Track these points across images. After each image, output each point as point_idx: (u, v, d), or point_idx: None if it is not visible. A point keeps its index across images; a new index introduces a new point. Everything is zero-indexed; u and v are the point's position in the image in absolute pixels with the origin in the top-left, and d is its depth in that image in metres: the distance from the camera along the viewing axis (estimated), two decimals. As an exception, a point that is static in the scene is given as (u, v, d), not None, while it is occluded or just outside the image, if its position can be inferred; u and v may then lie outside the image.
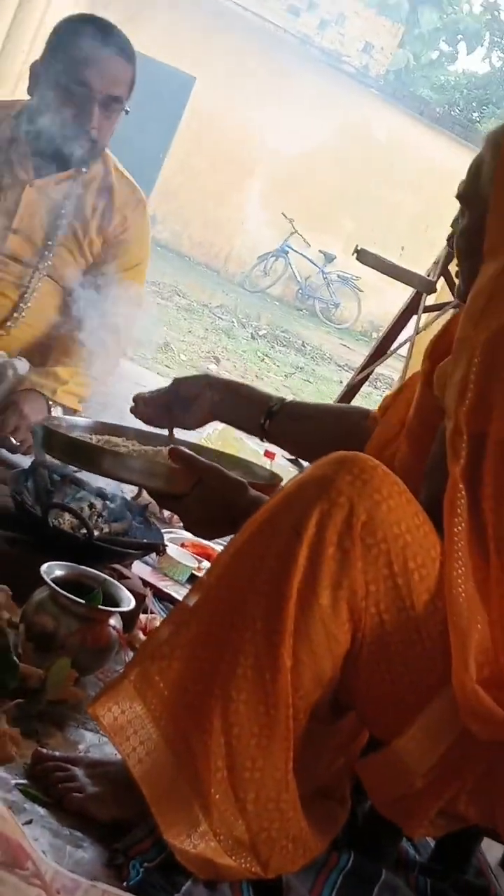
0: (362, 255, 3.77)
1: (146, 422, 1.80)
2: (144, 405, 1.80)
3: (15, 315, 2.50)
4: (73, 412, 2.45)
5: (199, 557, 2.42)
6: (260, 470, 1.72)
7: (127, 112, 2.44)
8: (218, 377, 1.78)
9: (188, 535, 2.58)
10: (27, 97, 2.48)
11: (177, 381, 1.82)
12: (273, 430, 1.74)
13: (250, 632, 1.25)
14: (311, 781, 1.37)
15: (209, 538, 1.68)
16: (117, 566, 1.98)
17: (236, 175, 14.88)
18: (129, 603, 1.71)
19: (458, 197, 1.50)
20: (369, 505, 1.24)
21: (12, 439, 2.29)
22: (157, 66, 14.09)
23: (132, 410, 1.81)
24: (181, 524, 2.59)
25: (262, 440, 1.75)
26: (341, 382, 9.12)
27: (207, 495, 1.48)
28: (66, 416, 1.83)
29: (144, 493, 2.26)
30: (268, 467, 1.82)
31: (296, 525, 1.24)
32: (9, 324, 2.50)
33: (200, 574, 2.32)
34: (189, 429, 1.80)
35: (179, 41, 14.24)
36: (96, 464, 1.54)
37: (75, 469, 2.01)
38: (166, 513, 2.61)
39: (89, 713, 1.30)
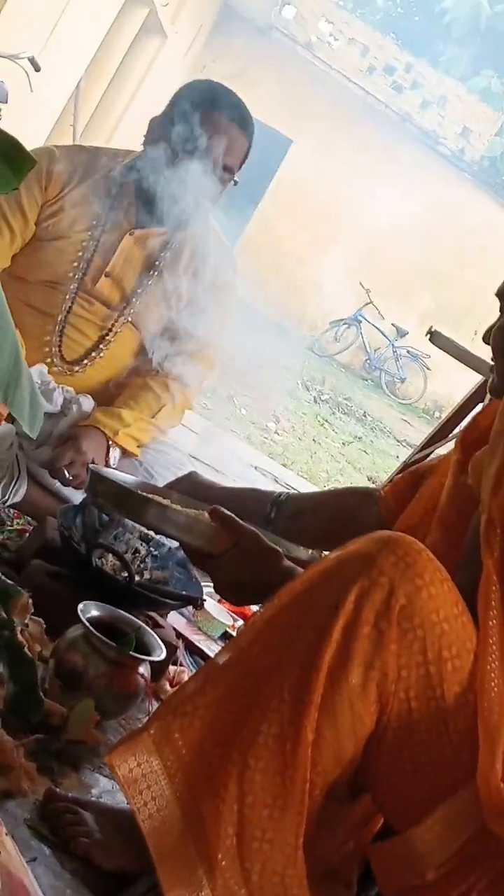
0: (436, 338, 3.77)
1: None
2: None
3: (92, 355, 2.54)
4: (131, 456, 2.48)
5: (234, 615, 2.42)
6: (295, 549, 1.72)
7: (236, 183, 2.52)
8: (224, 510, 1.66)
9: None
10: (127, 147, 2.55)
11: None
12: (281, 523, 1.78)
13: (277, 700, 1.25)
14: (319, 861, 1.35)
15: (236, 603, 1.69)
16: (153, 614, 1.98)
17: (319, 240, 15.03)
18: (160, 653, 1.71)
19: (498, 294, 1.52)
20: (410, 589, 1.23)
21: (66, 472, 2.31)
22: (257, 124, 14.34)
23: None
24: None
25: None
26: (398, 457, 9.10)
27: (241, 558, 1.48)
28: (114, 471, 1.86)
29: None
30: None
31: (334, 599, 1.24)
32: (85, 362, 2.54)
33: (234, 631, 2.32)
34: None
35: (282, 104, 14.48)
36: (141, 513, 1.56)
37: (122, 520, 2.03)
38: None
39: (106, 762, 1.30)
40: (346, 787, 1.33)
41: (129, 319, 2.54)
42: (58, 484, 2.37)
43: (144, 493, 1.60)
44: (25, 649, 1.53)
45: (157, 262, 2.56)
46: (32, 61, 4.48)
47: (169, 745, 1.27)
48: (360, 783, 1.35)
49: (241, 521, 1.51)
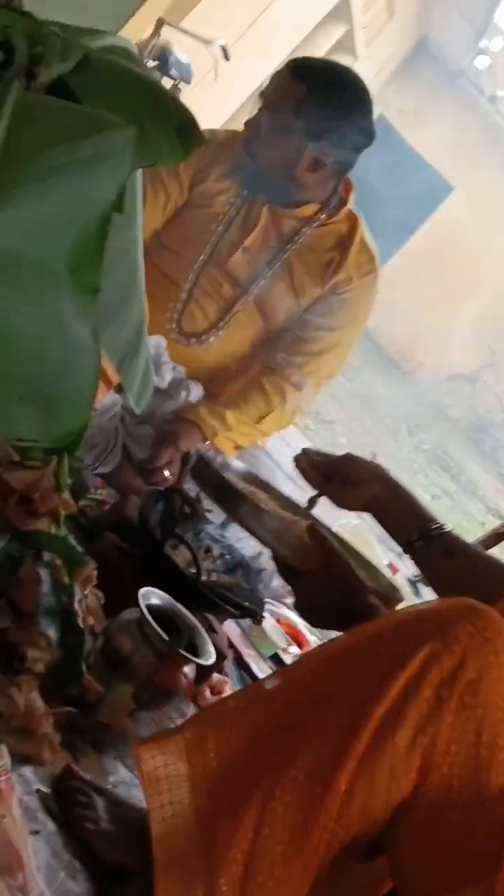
0: None
1: (303, 474, 1.71)
2: (308, 461, 1.72)
3: (208, 336, 2.51)
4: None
5: (290, 639, 2.36)
6: (383, 579, 1.66)
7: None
8: (390, 473, 1.68)
9: (287, 612, 2.53)
10: None
11: (349, 457, 1.70)
12: (421, 552, 1.58)
13: (318, 739, 1.19)
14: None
15: (313, 624, 1.63)
16: (211, 617, 1.94)
17: (457, 291, 14.86)
18: (210, 658, 1.67)
19: None
20: (482, 664, 1.17)
21: (166, 473, 2.27)
22: (422, 164, 14.30)
23: (296, 458, 1.73)
24: (287, 600, 2.57)
25: (406, 554, 1.64)
26: (483, 524, 8.95)
27: (327, 583, 1.44)
28: (223, 455, 1.81)
29: (261, 559, 2.23)
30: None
31: (402, 652, 1.18)
32: (203, 338, 2.51)
33: (285, 655, 2.27)
34: (339, 506, 1.71)
35: (452, 149, 14.38)
36: (234, 508, 1.52)
37: (208, 509, 2.00)
38: (274, 583, 2.58)
39: (133, 752, 1.26)
40: (365, 845, 1.27)
41: (252, 300, 2.49)
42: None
43: (243, 490, 1.56)
44: (79, 619, 1.51)
45: (289, 246, 2.51)
46: (224, 50, 4.50)
47: (200, 753, 1.23)
48: (380, 846, 1.28)
49: (335, 545, 1.46)
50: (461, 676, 1.17)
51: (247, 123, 2.49)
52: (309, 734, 1.20)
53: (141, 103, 1.22)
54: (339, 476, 1.66)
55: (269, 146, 2.41)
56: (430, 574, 1.56)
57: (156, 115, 1.22)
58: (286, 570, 1.52)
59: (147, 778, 1.23)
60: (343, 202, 2.54)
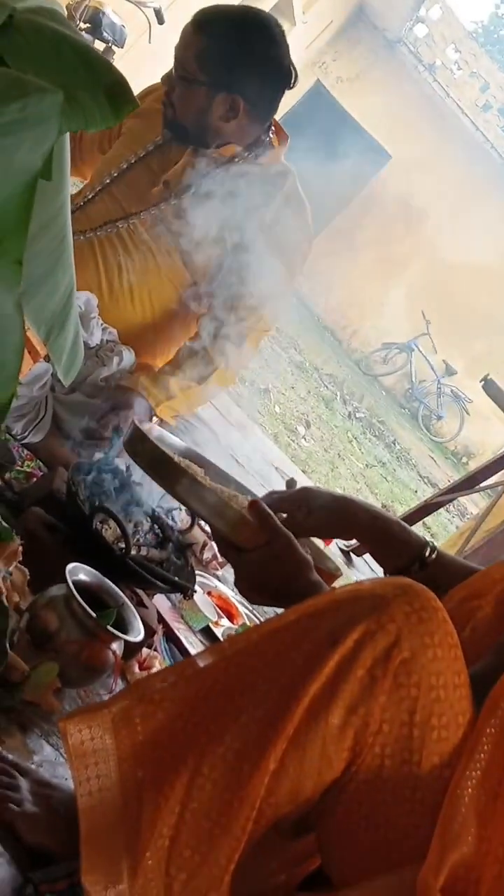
0: (489, 386, 3.71)
1: (263, 522, 1.51)
2: (265, 508, 1.51)
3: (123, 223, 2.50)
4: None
5: (220, 612, 2.35)
6: (328, 561, 1.65)
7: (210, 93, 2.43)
8: (362, 502, 1.60)
9: (218, 585, 2.52)
10: None
11: (306, 490, 1.63)
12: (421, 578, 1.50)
13: (247, 716, 1.18)
14: (246, 886, 1.28)
15: (252, 602, 1.60)
16: (140, 592, 1.92)
17: (392, 260, 14.90)
18: (138, 634, 1.65)
19: None
20: (417, 644, 1.16)
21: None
22: (361, 133, 14.27)
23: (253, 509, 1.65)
24: (218, 572, 2.55)
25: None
26: (416, 492, 9.02)
27: (270, 561, 1.42)
28: (160, 430, 1.76)
29: (194, 532, 2.21)
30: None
31: (335, 631, 1.17)
32: (119, 225, 2.50)
33: (216, 628, 2.26)
34: (303, 535, 1.64)
35: (390, 118, 14.36)
36: (172, 482, 1.48)
37: (137, 482, 1.97)
38: (205, 556, 2.56)
39: (59, 726, 1.24)
40: (292, 823, 1.27)
41: (170, 243, 2.46)
42: (74, 437, 2.30)
43: (181, 464, 1.52)
44: (2, 596, 1.47)
45: (210, 189, 2.47)
46: (158, 13, 4.42)
47: (127, 727, 1.21)
48: (309, 823, 1.28)
49: (278, 522, 1.44)
50: (395, 656, 1.16)
51: (163, 78, 2.53)
52: (239, 712, 1.18)
53: (69, 66, 1.18)
54: (299, 509, 1.62)
55: (181, 98, 2.46)
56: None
57: (85, 78, 1.17)
58: (226, 547, 1.49)
59: (73, 752, 1.21)
60: (271, 147, 2.52)
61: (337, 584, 1.52)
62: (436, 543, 1.58)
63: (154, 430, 1.75)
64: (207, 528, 2.35)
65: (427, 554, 1.54)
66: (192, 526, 2.11)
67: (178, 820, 1.19)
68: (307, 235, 2.61)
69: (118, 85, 1.20)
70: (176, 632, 2.12)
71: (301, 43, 11.56)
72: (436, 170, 14.48)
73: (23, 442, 2.22)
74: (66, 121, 1.13)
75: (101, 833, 1.20)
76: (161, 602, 2.14)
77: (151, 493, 1.94)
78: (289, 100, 12.37)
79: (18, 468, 2.08)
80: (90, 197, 2.56)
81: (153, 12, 4.41)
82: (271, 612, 2.68)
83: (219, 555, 2.56)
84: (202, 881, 1.20)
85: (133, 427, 1.56)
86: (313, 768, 1.18)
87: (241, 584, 1.48)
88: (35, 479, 2.08)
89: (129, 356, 2.43)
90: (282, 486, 1.69)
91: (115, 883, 1.19)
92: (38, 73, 1.14)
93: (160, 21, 4.43)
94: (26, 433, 2.24)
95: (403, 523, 1.60)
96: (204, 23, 2.38)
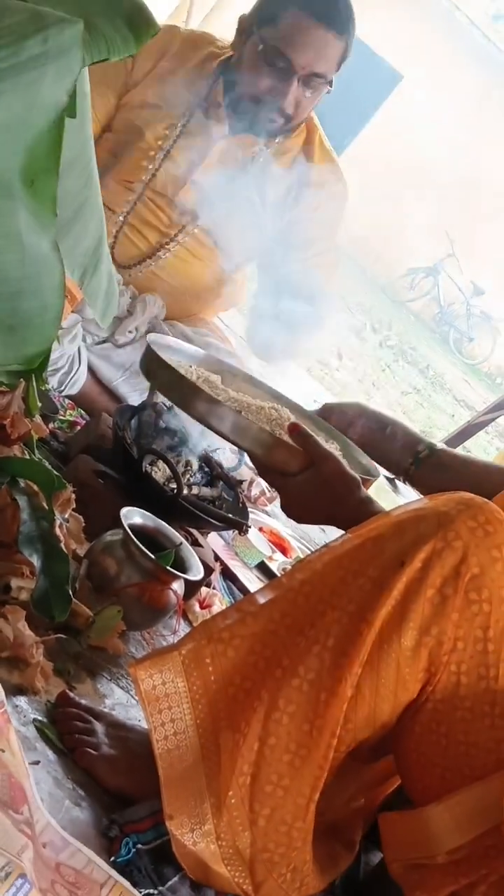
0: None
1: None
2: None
3: (142, 267, 2.42)
4: None
5: (273, 547, 2.35)
6: (363, 458, 1.60)
7: (330, 88, 2.31)
8: (371, 408, 1.64)
9: (269, 520, 2.51)
10: None
11: (328, 407, 1.69)
12: (417, 476, 1.57)
13: (319, 646, 1.17)
14: (325, 814, 1.29)
15: (303, 522, 1.57)
16: (194, 531, 1.91)
17: (412, 182, 14.63)
18: (197, 573, 1.64)
19: None
20: (485, 559, 1.14)
21: None
22: (370, 54, 13.96)
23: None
24: (267, 507, 2.54)
25: (402, 482, 1.60)
26: (453, 416, 8.96)
27: (319, 484, 1.39)
28: (178, 342, 1.68)
29: (242, 470, 2.19)
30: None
31: (401, 553, 1.15)
32: (138, 267, 2.42)
33: (270, 563, 2.25)
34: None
35: (398, 36, 14.02)
36: (189, 404, 1.42)
37: (181, 422, 1.95)
38: (253, 492, 2.55)
39: (130, 672, 1.23)
40: (370, 747, 1.26)
41: (201, 229, 2.39)
42: (115, 382, 2.29)
43: (198, 381, 1.47)
44: (61, 545, 1.47)
45: (247, 176, 2.39)
46: None
47: (198, 669, 1.21)
48: (386, 746, 1.27)
49: (320, 443, 1.42)
50: (464, 573, 1.14)
51: (234, 45, 2.33)
52: (310, 642, 1.18)
53: (86, -5, 1.14)
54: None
55: (310, 100, 2.29)
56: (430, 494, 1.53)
57: (103, 6, 1.14)
58: (269, 472, 1.47)
59: (146, 697, 1.20)
60: (289, 122, 2.40)
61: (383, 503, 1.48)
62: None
63: (168, 339, 1.67)
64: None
65: (420, 450, 1.54)
66: (239, 462, 2.09)
67: (257, 756, 1.19)
68: (344, 200, 2.55)
69: (137, 10, 1.16)
70: (232, 569, 2.12)
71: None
72: (449, 86, 14.18)
73: (61, 394, 2.20)
74: (87, 51, 1.10)
75: (181, 776, 1.20)
76: (215, 540, 2.13)
77: (200, 432, 1.92)
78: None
79: (62, 417, 2.07)
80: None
81: None
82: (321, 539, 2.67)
83: (266, 488, 2.56)
84: (286, 813, 1.20)
85: (146, 347, 1.50)
86: (389, 691, 1.17)
87: (290, 510, 1.46)
88: (79, 428, 2.08)
89: (154, 301, 2.39)
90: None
91: (200, 824, 1.19)
92: (55, 4, 1.10)
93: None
94: (62, 387, 2.22)
95: (403, 425, 1.61)
96: (342, 26, 2.21)
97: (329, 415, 1.66)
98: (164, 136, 2.34)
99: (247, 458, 2.07)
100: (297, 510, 1.45)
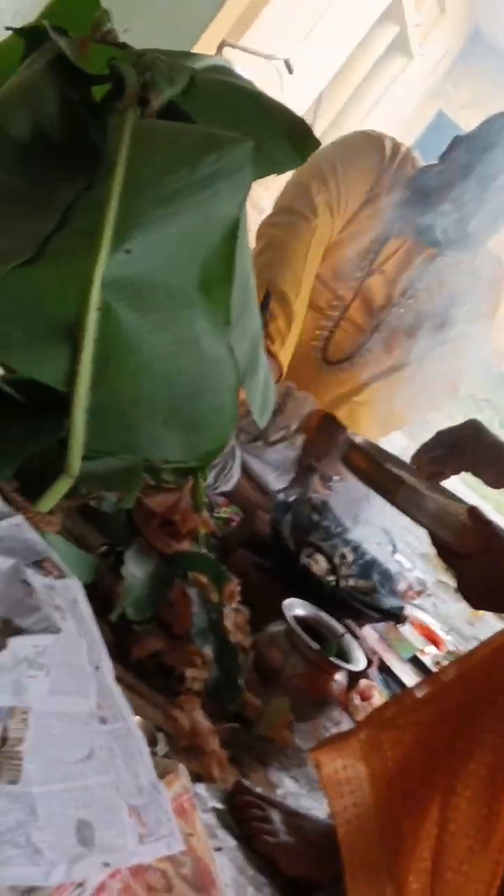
0: None
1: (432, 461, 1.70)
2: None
3: (345, 364, 2.52)
4: None
5: (426, 640, 2.35)
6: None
7: None
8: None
9: (419, 614, 2.51)
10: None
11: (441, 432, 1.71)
12: None
13: (492, 733, 1.18)
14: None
15: (476, 607, 1.59)
16: (350, 623, 1.93)
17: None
18: (360, 663, 1.66)
19: None
20: None
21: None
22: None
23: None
24: (415, 601, 2.54)
25: None
26: None
27: (491, 564, 1.41)
28: (369, 442, 1.77)
29: (390, 563, 2.22)
30: None
31: None
32: (344, 365, 2.51)
33: (423, 657, 2.25)
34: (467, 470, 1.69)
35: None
36: (391, 492, 1.49)
37: (336, 516, 1.99)
38: (400, 587, 2.56)
39: (312, 757, 1.26)
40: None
41: (384, 336, 2.49)
42: (267, 478, 2.35)
43: (398, 472, 1.53)
44: (230, 636, 1.51)
45: (416, 283, 2.49)
46: (287, 64, 4.52)
47: (376, 754, 1.23)
48: None
49: (497, 525, 1.44)
50: None
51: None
52: (482, 729, 1.18)
53: (251, 115, 1.23)
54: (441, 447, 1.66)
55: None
56: None
57: (267, 125, 1.22)
58: (448, 553, 1.50)
59: (328, 781, 1.23)
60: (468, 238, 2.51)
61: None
62: None
63: (360, 439, 1.75)
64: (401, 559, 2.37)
65: None
66: (392, 553, 2.12)
67: (436, 842, 1.19)
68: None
69: (298, 126, 1.24)
70: (386, 662, 2.13)
71: (421, 74, 11.58)
72: None
73: (215, 492, 2.27)
74: (255, 168, 1.18)
75: (363, 861, 1.21)
76: (368, 633, 2.15)
77: (354, 523, 1.96)
78: (413, 132, 12.40)
79: (217, 515, 2.13)
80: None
81: (283, 63, 4.51)
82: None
83: (413, 582, 2.57)
84: (466, 899, 1.20)
85: (346, 440, 1.58)
86: None
87: (465, 590, 1.48)
88: (233, 524, 2.13)
89: (306, 402, 2.47)
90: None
91: None
92: (224, 125, 1.19)
93: (290, 71, 4.53)
94: (217, 483, 2.29)
95: None
96: None
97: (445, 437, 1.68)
98: (371, 247, 2.46)
99: (397, 549, 2.10)
100: (472, 591, 1.47)
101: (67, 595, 1.12)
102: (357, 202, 2.43)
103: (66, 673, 1.02)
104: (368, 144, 2.48)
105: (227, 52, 4.45)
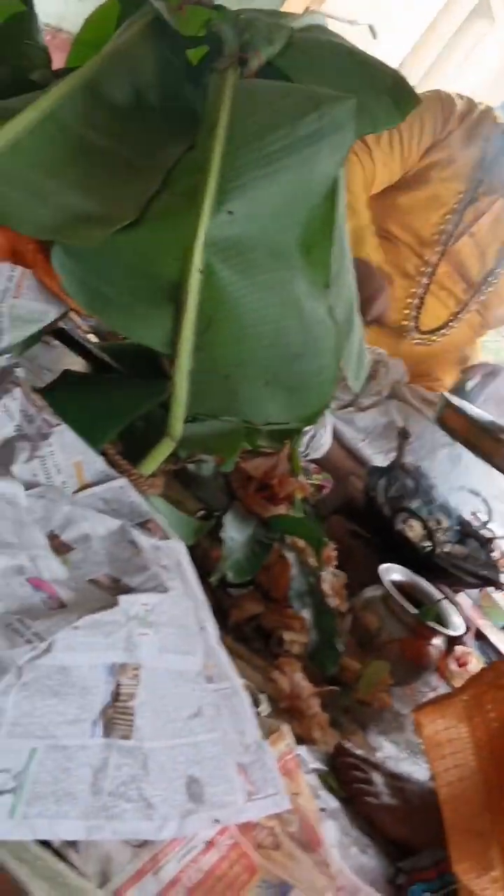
0: None
1: None
2: None
3: (440, 334, 2.49)
4: None
5: (522, 607, 2.32)
6: None
7: None
8: None
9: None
10: None
11: None
12: None
13: None
14: None
15: None
16: (446, 589, 1.92)
17: None
18: (459, 628, 1.65)
19: None
20: None
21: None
22: None
23: None
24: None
25: None
26: None
27: None
28: (468, 405, 1.77)
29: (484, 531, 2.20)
30: None
31: None
32: (436, 333, 2.48)
33: (518, 624, 2.23)
34: None
35: None
36: (492, 452, 1.49)
37: (431, 481, 1.98)
38: (494, 554, 2.53)
39: (414, 716, 1.26)
40: None
41: (483, 298, 2.45)
42: (358, 445, 2.34)
43: (499, 435, 1.52)
44: (327, 600, 1.51)
45: None
46: (372, 29, 4.44)
47: (480, 714, 1.22)
48: None
49: None
50: None
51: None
52: None
53: (350, 73, 1.22)
54: None
55: None
56: None
57: (367, 82, 1.21)
58: None
59: (429, 742, 1.22)
60: None
61: None
62: None
63: (456, 399, 1.76)
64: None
65: None
66: (489, 520, 2.09)
67: None
68: None
69: (399, 83, 1.22)
70: (481, 629, 2.11)
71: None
72: None
73: (306, 458, 2.27)
74: (356, 126, 1.16)
75: (465, 822, 1.20)
76: (462, 600, 2.13)
77: (448, 489, 1.94)
78: (499, 97, 12.13)
79: (310, 480, 2.12)
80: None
81: (368, 28, 4.44)
82: None
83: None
84: None
85: (445, 402, 1.57)
86: None
87: None
88: (324, 490, 2.13)
89: (397, 366, 2.45)
90: None
91: (488, 869, 1.18)
92: (323, 83, 1.18)
93: (374, 37, 4.45)
94: (307, 450, 2.29)
95: None
96: None
97: None
98: (454, 200, 2.42)
99: (493, 516, 2.08)
100: None
101: (172, 556, 1.13)
102: (421, 142, 2.38)
103: (173, 632, 1.03)
104: (431, 98, 2.44)
105: (308, 19, 4.39)
